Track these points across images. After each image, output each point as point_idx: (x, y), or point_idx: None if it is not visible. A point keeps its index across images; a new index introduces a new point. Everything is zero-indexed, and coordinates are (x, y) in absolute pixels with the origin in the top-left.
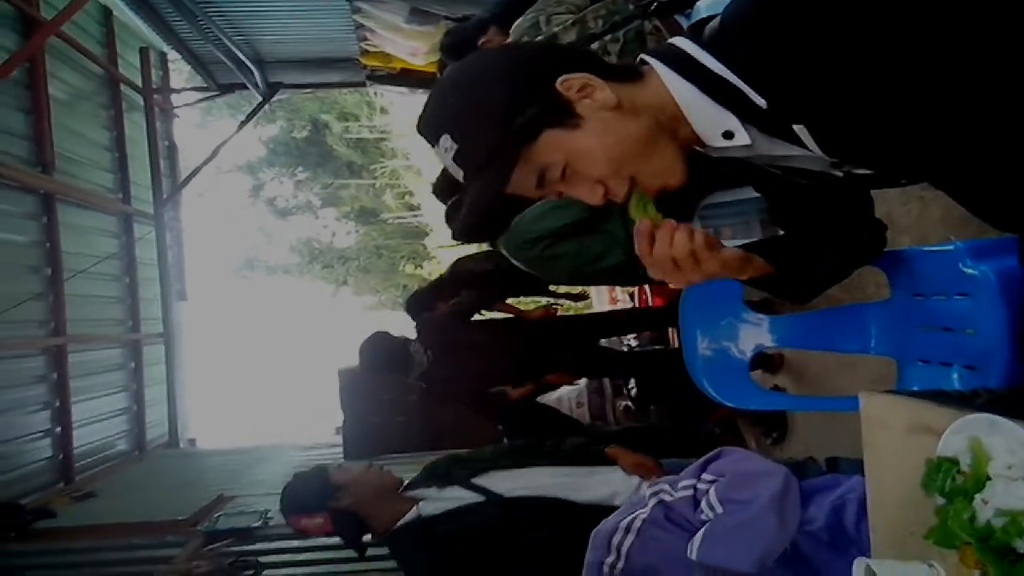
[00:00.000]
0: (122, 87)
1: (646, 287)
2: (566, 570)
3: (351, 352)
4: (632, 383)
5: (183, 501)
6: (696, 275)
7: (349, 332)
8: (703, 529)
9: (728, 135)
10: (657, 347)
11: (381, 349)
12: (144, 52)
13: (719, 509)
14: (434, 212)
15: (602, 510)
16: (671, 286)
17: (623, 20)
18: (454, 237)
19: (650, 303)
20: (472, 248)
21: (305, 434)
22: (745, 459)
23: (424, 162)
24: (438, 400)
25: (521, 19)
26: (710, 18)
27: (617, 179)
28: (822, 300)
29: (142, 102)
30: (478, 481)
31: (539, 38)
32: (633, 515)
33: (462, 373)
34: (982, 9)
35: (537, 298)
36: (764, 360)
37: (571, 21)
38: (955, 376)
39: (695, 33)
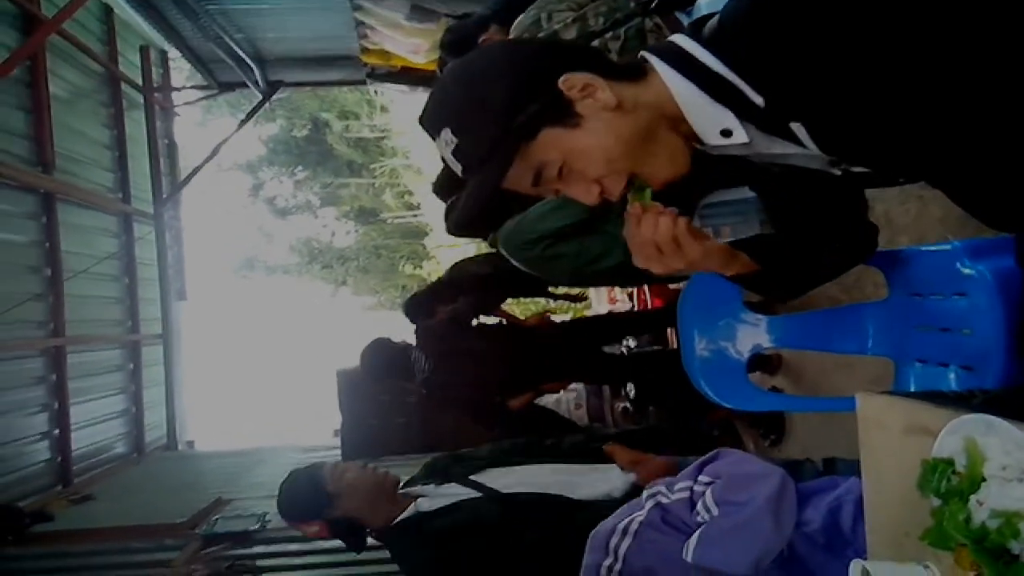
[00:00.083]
0: (122, 85)
1: (645, 288)
2: (562, 565)
3: (350, 353)
4: (630, 385)
5: (181, 504)
6: (678, 261)
7: (348, 333)
8: (699, 531)
9: (726, 133)
10: (656, 348)
11: (382, 355)
12: (144, 50)
13: (715, 511)
14: (434, 212)
15: (599, 506)
16: (655, 272)
17: (624, 17)
18: (449, 231)
19: (649, 304)
20: (472, 250)
21: (304, 436)
22: (742, 461)
23: (424, 161)
24: (437, 407)
25: (522, 16)
26: (710, 15)
27: (614, 178)
28: (821, 300)
29: (142, 100)
30: (476, 478)
31: (540, 35)
32: (630, 517)
33: (461, 380)
34: (978, 9)
35: (537, 299)
36: (762, 361)
37: (572, 18)
38: (952, 376)
39: (694, 31)
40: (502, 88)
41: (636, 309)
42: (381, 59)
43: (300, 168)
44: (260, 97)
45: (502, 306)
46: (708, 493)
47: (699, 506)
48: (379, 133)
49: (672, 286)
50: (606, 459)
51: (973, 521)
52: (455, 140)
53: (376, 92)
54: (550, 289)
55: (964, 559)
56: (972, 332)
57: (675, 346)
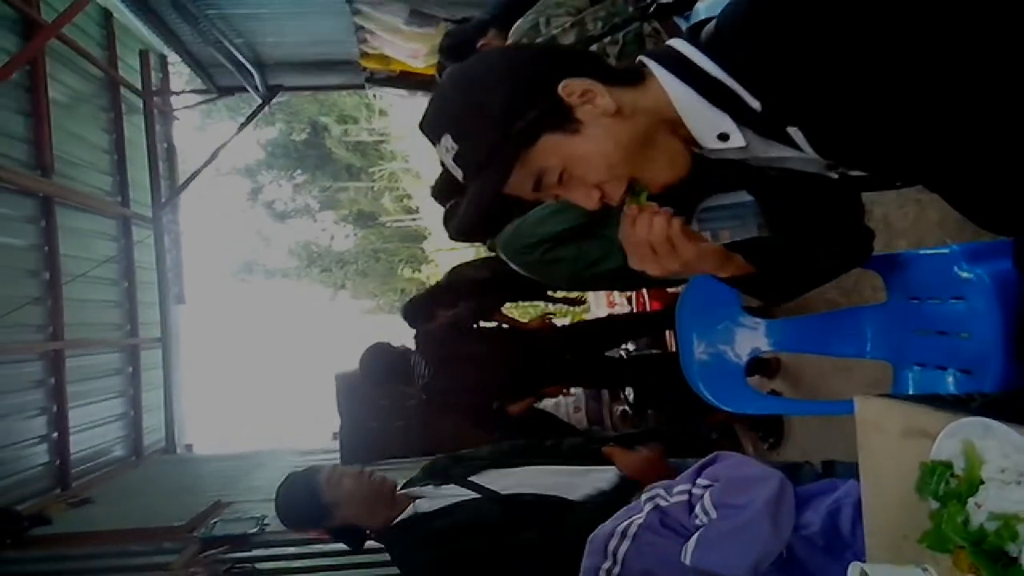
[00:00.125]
0: (122, 90)
1: (644, 292)
2: (559, 566)
3: (349, 356)
4: (629, 388)
5: (180, 507)
6: (672, 262)
7: (347, 336)
8: (697, 534)
9: (723, 137)
10: (654, 351)
11: (381, 360)
12: (144, 55)
13: (713, 514)
14: (433, 215)
15: (596, 506)
16: (650, 273)
17: (622, 22)
18: (451, 236)
19: (648, 308)
20: (471, 254)
21: (302, 439)
22: (740, 464)
23: (423, 165)
24: (437, 411)
25: (520, 21)
26: (708, 20)
27: (614, 183)
28: (819, 304)
29: (142, 105)
30: (475, 479)
31: (538, 40)
32: (629, 520)
33: (461, 386)
34: (974, 16)
35: (536, 302)
36: (761, 365)
37: (570, 23)
38: (950, 380)
39: (692, 35)
40: (501, 94)
41: (635, 312)
42: (380, 63)
43: (299, 172)
44: (259, 101)
45: (503, 310)
46: (706, 496)
47: (697, 509)
48: (378, 137)
49: (671, 290)
50: (604, 460)
51: (971, 524)
52: (455, 146)
53: (375, 96)
54: (549, 293)
55: (962, 561)
56: (970, 336)
57: (674, 349)
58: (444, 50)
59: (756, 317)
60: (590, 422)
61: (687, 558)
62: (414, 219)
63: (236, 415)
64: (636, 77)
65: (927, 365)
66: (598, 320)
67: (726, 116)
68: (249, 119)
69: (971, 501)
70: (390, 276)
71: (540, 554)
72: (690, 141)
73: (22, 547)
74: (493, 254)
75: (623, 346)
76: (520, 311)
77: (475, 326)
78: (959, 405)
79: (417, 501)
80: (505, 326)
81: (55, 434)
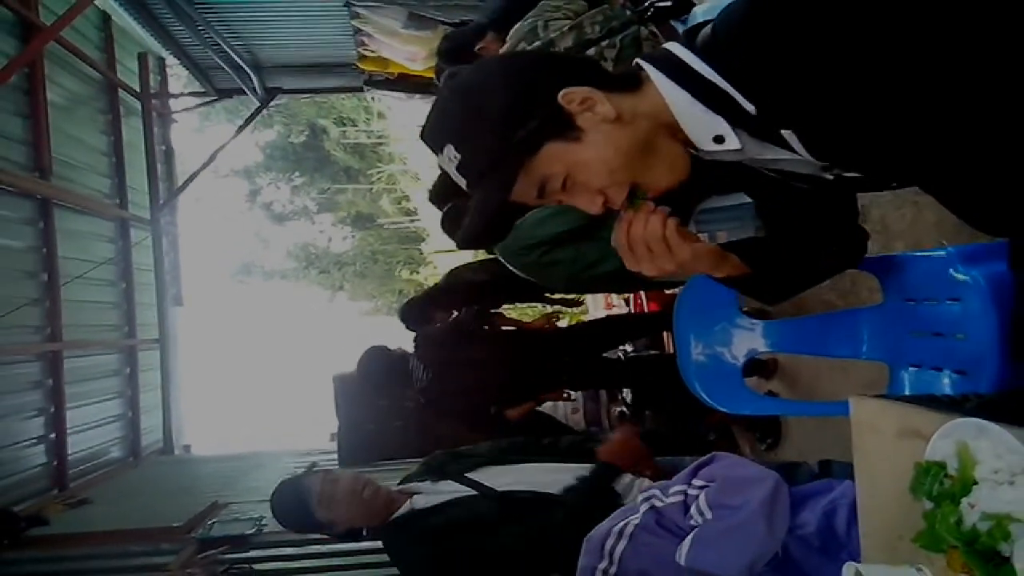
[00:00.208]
0: (120, 92)
1: (641, 294)
2: (554, 563)
3: (347, 358)
4: (627, 389)
5: (178, 508)
6: (667, 262)
7: (345, 337)
8: (692, 534)
9: (719, 139)
10: (652, 352)
11: (379, 363)
12: (142, 57)
13: (709, 514)
14: (431, 217)
15: (581, 500)
16: (646, 273)
17: (620, 26)
18: (459, 245)
19: (646, 309)
20: (468, 256)
21: (300, 440)
22: (736, 465)
23: (421, 167)
24: (435, 415)
25: (519, 24)
26: (705, 23)
27: (616, 188)
28: (817, 305)
29: (140, 107)
30: (472, 476)
31: (536, 43)
32: (625, 521)
33: (459, 390)
34: (964, 21)
35: (534, 304)
36: (758, 366)
37: (568, 26)
38: (946, 381)
39: (688, 39)
40: (502, 104)
41: (633, 314)
42: (378, 66)
43: (297, 174)
44: (257, 104)
45: (505, 312)
46: (702, 497)
47: (693, 509)
48: (376, 139)
49: (669, 291)
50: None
51: (964, 524)
52: (458, 156)
53: (373, 99)
54: (547, 295)
55: (955, 561)
56: (966, 337)
57: (672, 351)
58: (442, 53)
59: (753, 318)
60: (588, 423)
61: (682, 558)
62: (412, 221)
63: (234, 416)
64: (634, 82)
65: (923, 366)
66: (596, 321)
67: (721, 119)
68: (247, 122)
69: (964, 501)
70: (388, 278)
71: (535, 551)
72: (688, 144)
73: (20, 548)
74: (491, 256)
75: (621, 347)
76: (519, 312)
77: (475, 330)
78: (953, 406)
79: (414, 497)
80: (509, 328)
81: (53, 435)
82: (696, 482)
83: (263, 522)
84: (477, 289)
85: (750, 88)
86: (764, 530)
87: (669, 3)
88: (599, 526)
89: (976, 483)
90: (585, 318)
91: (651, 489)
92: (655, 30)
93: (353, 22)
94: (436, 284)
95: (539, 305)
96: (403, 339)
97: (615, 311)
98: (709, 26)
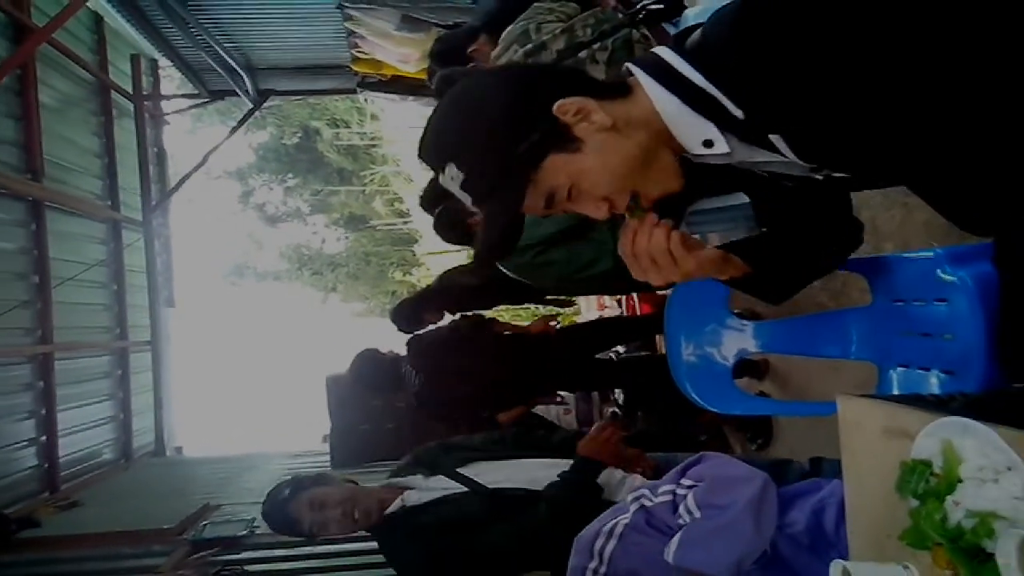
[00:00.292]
0: (112, 94)
1: (634, 295)
2: (544, 561)
3: (340, 359)
4: (619, 390)
5: (169, 510)
6: (674, 273)
7: (338, 339)
8: (680, 533)
9: (708, 143)
10: (644, 353)
11: (371, 367)
12: (135, 59)
13: (697, 514)
14: (423, 219)
15: (575, 502)
16: (653, 283)
17: (611, 29)
18: (477, 262)
19: (638, 310)
20: (461, 257)
21: (293, 442)
22: (724, 464)
23: (414, 169)
24: (427, 419)
25: (511, 27)
26: (695, 27)
27: (620, 194)
28: (807, 306)
29: (132, 109)
30: (464, 471)
31: (528, 46)
32: (615, 520)
33: (452, 395)
34: (948, 30)
35: (527, 306)
36: (750, 367)
37: (560, 29)
38: (934, 381)
39: (678, 43)
40: (501, 120)
41: (625, 316)
42: (372, 68)
43: (290, 175)
44: (250, 105)
45: (500, 318)
46: (690, 496)
47: (681, 509)
48: (369, 141)
49: (661, 292)
50: None
51: (949, 521)
52: (461, 174)
53: (366, 100)
54: (540, 296)
55: (940, 558)
56: (953, 337)
57: (663, 351)
58: (435, 55)
59: (743, 319)
60: (580, 424)
61: (670, 556)
62: (405, 222)
63: (226, 418)
64: (623, 89)
65: (911, 366)
66: (588, 324)
67: (710, 124)
68: (240, 123)
69: (949, 499)
70: (381, 279)
71: (526, 549)
72: (679, 151)
73: (10, 550)
74: None
75: (613, 348)
76: (511, 314)
77: (469, 335)
78: (939, 405)
79: (406, 493)
80: (506, 333)
81: (44, 437)
82: (685, 482)
83: (255, 524)
84: (470, 292)
85: (738, 93)
86: (751, 529)
87: (660, 6)
88: (589, 526)
89: (961, 481)
90: (578, 319)
91: (640, 489)
92: (647, 33)
93: (346, 24)
94: (428, 286)
95: (532, 306)
96: (395, 341)
97: (607, 312)
98: (698, 31)
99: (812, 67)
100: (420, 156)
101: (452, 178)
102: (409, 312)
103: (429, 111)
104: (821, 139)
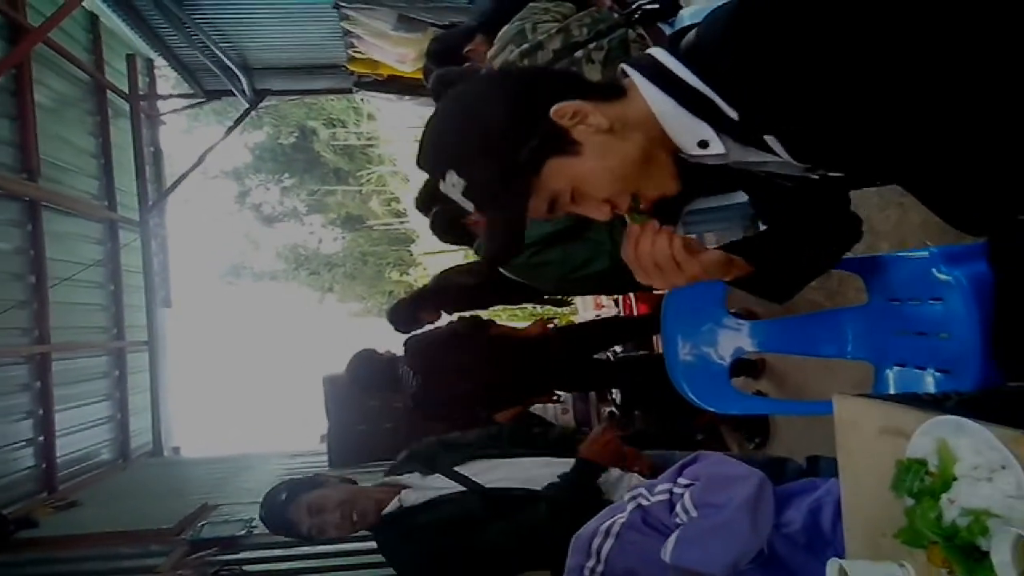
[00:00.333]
0: (108, 93)
1: (631, 295)
2: (543, 561)
3: (337, 359)
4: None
5: (167, 510)
6: (678, 278)
7: (335, 339)
8: (676, 532)
9: (703, 144)
10: (641, 352)
11: (368, 368)
12: (131, 59)
13: (694, 513)
14: (420, 219)
15: (575, 502)
16: (657, 287)
17: (607, 28)
18: (484, 266)
19: (635, 310)
20: (458, 257)
21: (290, 442)
22: (720, 463)
23: (411, 168)
24: (425, 419)
25: (507, 27)
26: (690, 27)
27: (622, 196)
28: (804, 305)
29: (128, 109)
30: (461, 470)
31: (524, 46)
32: (612, 519)
33: (449, 397)
34: (940, 32)
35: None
36: (747, 366)
37: (556, 29)
38: (929, 380)
39: (673, 44)
40: (500, 127)
41: (622, 316)
42: (368, 68)
43: (287, 175)
44: (246, 105)
45: (497, 319)
46: (687, 495)
47: (678, 508)
48: (366, 140)
49: (658, 292)
50: None
51: (944, 519)
52: (462, 181)
53: (363, 100)
54: (538, 295)
55: (936, 556)
56: (949, 336)
57: (660, 351)
58: (431, 55)
59: (740, 319)
60: (578, 423)
61: (667, 555)
62: (402, 222)
63: (224, 418)
64: (618, 90)
65: (907, 365)
66: (586, 324)
67: (706, 124)
68: (236, 123)
69: (944, 497)
70: (378, 279)
71: (524, 549)
72: (674, 151)
73: (8, 550)
74: (481, 257)
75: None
76: (508, 314)
77: (466, 336)
78: (934, 404)
79: (403, 492)
80: (503, 335)
81: (41, 437)
82: (681, 481)
83: (253, 524)
84: (467, 292)
85: (733, 95)
86: (748, 528)
87: (656, 5)
88: (587, 525)
89: (956, 479)
90: (575, 319)
91: (638, 488)
92: (642, 32)
93: (342, 24)
94: (424, 286)
95: (530, 306)
96: (392, 341)
97: (605, 312)
98: (693, 32)
99: (806, 69)
100: (419, 164)
101: (453, 185)
102: (406, 312)
103: (426, 111)
104: (815, 140)
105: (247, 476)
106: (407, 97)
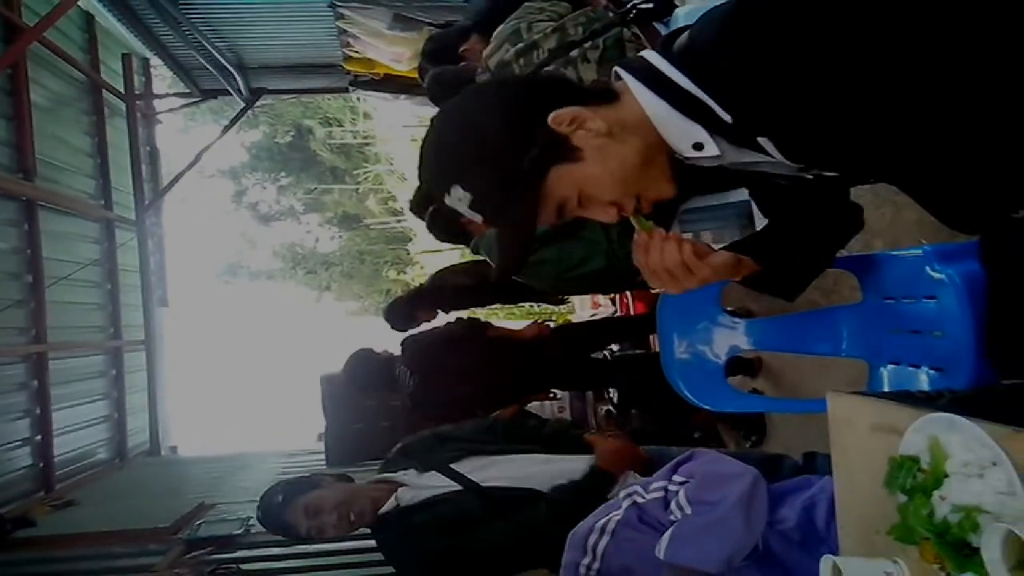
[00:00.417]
0: (104, 93)
1: (628, 294)
2: (539, 561)
3: (334, 358)
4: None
5: (164, 509)
6: (691, 282)
7: (332, 338)
8: (671, 529)
9: (698, 146)
10: (638, 351)
11: (365, 367)
12: (127, 58)
13: (688, 510)
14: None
15: (571, 499)
16: (671, 292)
17: (603, 27)
18: (496, 277)
19: (632, 309)
20: (455, 256)
21: (288, 441)
22: (715, 461)
23: (407, 167)
24: (422, 419)
25: (502, 26)
26: (683, 29)
27: (627, 198)
28: (799, 303)
29: (124, 108)
30: (457, 467)
31: (520, 45)
32: (608, 517)
33: (446, 397)
34: (931, 35)
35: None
36: (743, 365)
37: (551, 28)
38: (923, 378)
39: (665, 46)
40: (501, 139)
41: (619, 316)
42: (364, 67)
43: (283, 174)
44: (243, 104)
45: (494, 321)
46: (681, 492)
47: (673, 505)
48: (362, 139)
49: (654, 291)
50: (585, 448)
51: (936, 515)
52: (468, 195)
53: (359, 99)
54: (535, 295)
55: (927, 552)
56: (942, 334)
57: (657, 349)
58: (427, 54)
59: (735, 317)
60: (575, 421)
61: (661, 552)
62: (399, 221)
63: (221, 417)
64: (612, 94)
65: (901, 363)
66: (583, 323)
67: (699, 127)
68: (232, 122)
69: (936, 494)
70: (375, 278)
71: (520, 548)
72: (670, 153)
73: (6, 550)
74: (478, 257)
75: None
76: (506, 313)
77: (463, 337)
78: (927, 401)
79: (400, 491)
80: (499, 337)
81: (38, 437)
82: (676, 478)
83: (250, 522)
84: (464, 292)
85: (726, 98)
86: (742, 525)
87: (651, 5)
88: (583, 522)
89: (947, 476)
90: (572, 318)
91: (633, 485)
92: (638, 32)
93: (338, 23)
94: (420, 285)
95: (528, 305)
96: (390, 340)
97: (602, 311)
98: (685, 34)
99: (799, 72)
100: (422, 180)
101: (459, 199)
102: (402, 310)
103: (422, 110)
104: (808, 141)
105: (244, 475)
106: (403, 96)
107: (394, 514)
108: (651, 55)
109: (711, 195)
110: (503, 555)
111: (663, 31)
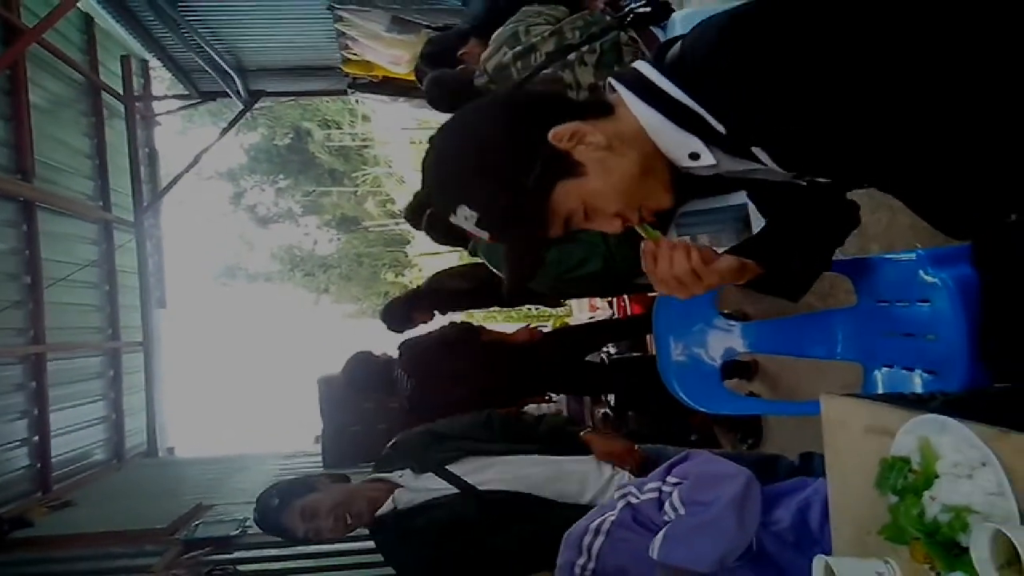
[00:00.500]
0: (103, 94)
1: (625, 296)
2: (536, 565)
3: (331, 360)
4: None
5: (162, 510)
6: (699, 288)
7: (330, 340)
8: (664, 529)
9: (694, 156)
10: (635, 354)
11: (364, 370)
12: (125, 60)
13: (682, 511)
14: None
15: (571, 507)
16: (681, 298)
17: (600, 31)
18: (507, 291)
19: (629, 311)
20: (453, 259)
21: (285, 442)
22: (709, 462)
23: (406, 170)
24: (419, 420)
25: (501, 30)
26: (675, 40)
27: (630, 210)
28: (795, 306)
29: (123, 109)
30: (453, 468)
31: (518, 48)
32: (603, 517)
33: (443, 401)
34: (922, 46)
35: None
36: (740, 368)
37: (549, 32)
38: (917, 380)
39: (658, 57)
40: (500, 158)
41: (616, 318)
42: (362, 69)
43: (282, 176)
44: (241, 106)
45: (487, 325)
46: (675, 493)
47: (667, 506)
48: (361, 142)
49: (652, 293)
50: (582, 448)
51: (926, 516)
52: (475, 214)
53: (357, 101)
54: (534, 297)
55: (918, 552)
56: (936, 337)
57: (654, 352)
58: (425, 57)
59: (731, 320)
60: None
61: (655, 553)
62: (397, 223)
63: (218, 418)
64: (607, 107)
65: (895, 366)
66: (579, 326)
67: (694, 137)
68: (231, 124)
69: (926, 494)
70: (373, 280)
71: (518, 552)
72: (666, 163)
73: (3, 550)
74: (476, 260)
75: (604, 349)
76: (503, 316)
77: (459, 341)
78: (919, 404)
79: (396, 493)
80: (492, 341)
81: (36, 437)
82: (670, 479)
83: (247, 523)
84: (461, 295)
85: (718, 110)
86: (734, 525)
87: (648, 9)
88: (578, 522)
89: (937, 477)
90: (569, 320)
91: (628, 486)
92: (635, 35)
93: (336, 25)
94: (418, 287)
95: (526, 307)
96: (387, 342)
97: (599, 313)
98: (678, 45)
99: (791, 83)
100: (429, 200)
101: (466, 218)
102: (400, 312)
103: (420, 112)
104: (801, 151)
105: (241, 476)
106: (401, 99)
107: (392, 517)
108: (643, 66)
109: (708, 199)
110: (505, 559)
111: (660, 35)
